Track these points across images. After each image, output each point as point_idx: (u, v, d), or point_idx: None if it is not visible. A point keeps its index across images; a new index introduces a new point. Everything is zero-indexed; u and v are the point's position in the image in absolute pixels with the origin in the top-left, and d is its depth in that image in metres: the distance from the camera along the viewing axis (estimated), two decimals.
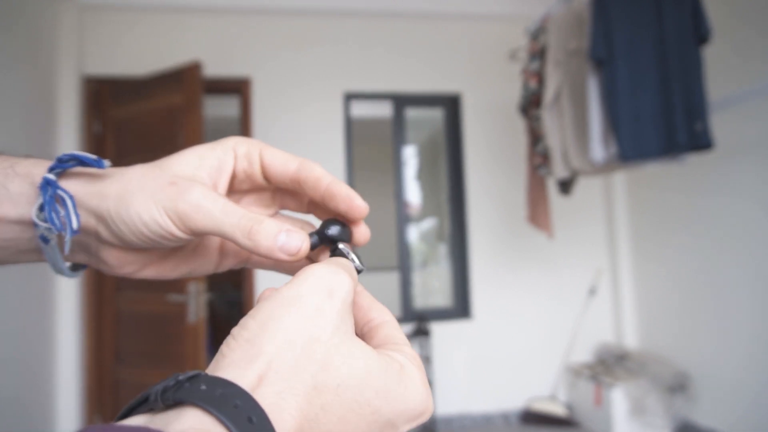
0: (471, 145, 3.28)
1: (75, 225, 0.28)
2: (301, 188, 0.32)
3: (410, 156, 5.13)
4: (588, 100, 2.09)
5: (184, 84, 2.48)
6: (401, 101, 3.30)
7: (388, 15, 3.22)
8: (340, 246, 0.30)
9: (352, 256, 0.30)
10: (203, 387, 0.20)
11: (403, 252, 3.28)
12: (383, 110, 3.49)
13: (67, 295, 2.66)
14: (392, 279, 3.49)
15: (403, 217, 3.29)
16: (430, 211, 5.07)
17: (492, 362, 3.16)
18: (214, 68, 2.87)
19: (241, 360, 0.22)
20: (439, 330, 3.12)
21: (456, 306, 3.27)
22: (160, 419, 0.20)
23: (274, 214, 0.35)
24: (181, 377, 0.21)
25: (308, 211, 0.35)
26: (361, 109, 3.45)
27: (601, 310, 3.32)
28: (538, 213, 2.57)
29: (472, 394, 3.13)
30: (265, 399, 0.21)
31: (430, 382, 2.99)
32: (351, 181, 3.16)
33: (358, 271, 0.30)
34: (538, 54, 2.42)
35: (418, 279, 4.24)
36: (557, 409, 3.03)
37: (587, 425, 2.95)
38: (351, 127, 3.21)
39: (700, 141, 1.87)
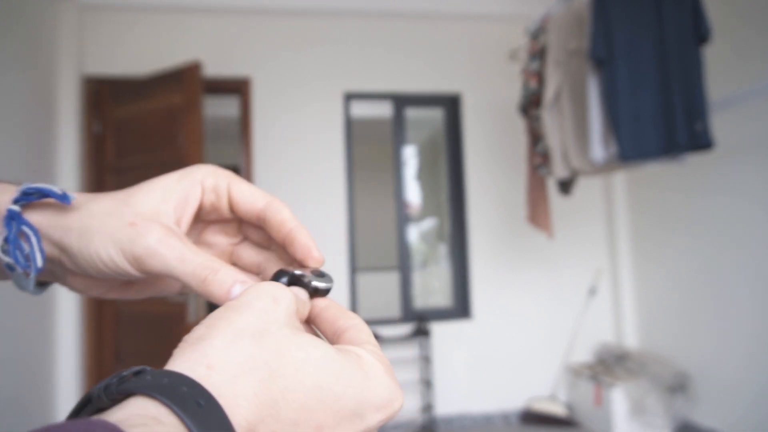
0: (471, 145, 3.28)
1: (39, 263, 0.28)
2: (266, 227, 0.32)
3: (410, 156, 5.13)
4: (588, 100, 2.09)
5: (184, 84, 2.48)
6: (401, 101, 3.30)
7: (388, 15, 3.22)
8: (297, 272, 0.30)
9: (313, 282, 0.30)
10: (148, 378, 0.20)
11: (403, 252, 3.28)
12: (383, 110, 3.49)
13: (67, 296, 2.66)
14: (392, 279, 3.48)
15: (403, 217, 3.28)
16: (430, 211, 5.07)
17: (492, 362, 3.16)
18: (214, 68, 2.87)
19: (191, 355, 0.21)
20: (439, 330, 3.12)
21: (456, 306, 3.27)
22: (105, 415, 0.19)
23: (240, 242, 0.35)
24: (124, 373, 0.21)
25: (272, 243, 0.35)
26: (361, 109, 3.45)
27: (601, 310, 3.32)
28: (538, 213, 2.57)
29: (472, 394, 3.13)
30: (215, 387, 0.20)
31: (430, 382, 3.01)
32: (351, 181, 3.17)
33: (327, 291, 0.30)
34: (538, 54, 2.42)
35: (418, 279, 4.24)
36: (557, 409, 3.03)
37: (587, 425, 2.95)
38: (351, 127, 3.21)
39: (700, 141, 1.87)
